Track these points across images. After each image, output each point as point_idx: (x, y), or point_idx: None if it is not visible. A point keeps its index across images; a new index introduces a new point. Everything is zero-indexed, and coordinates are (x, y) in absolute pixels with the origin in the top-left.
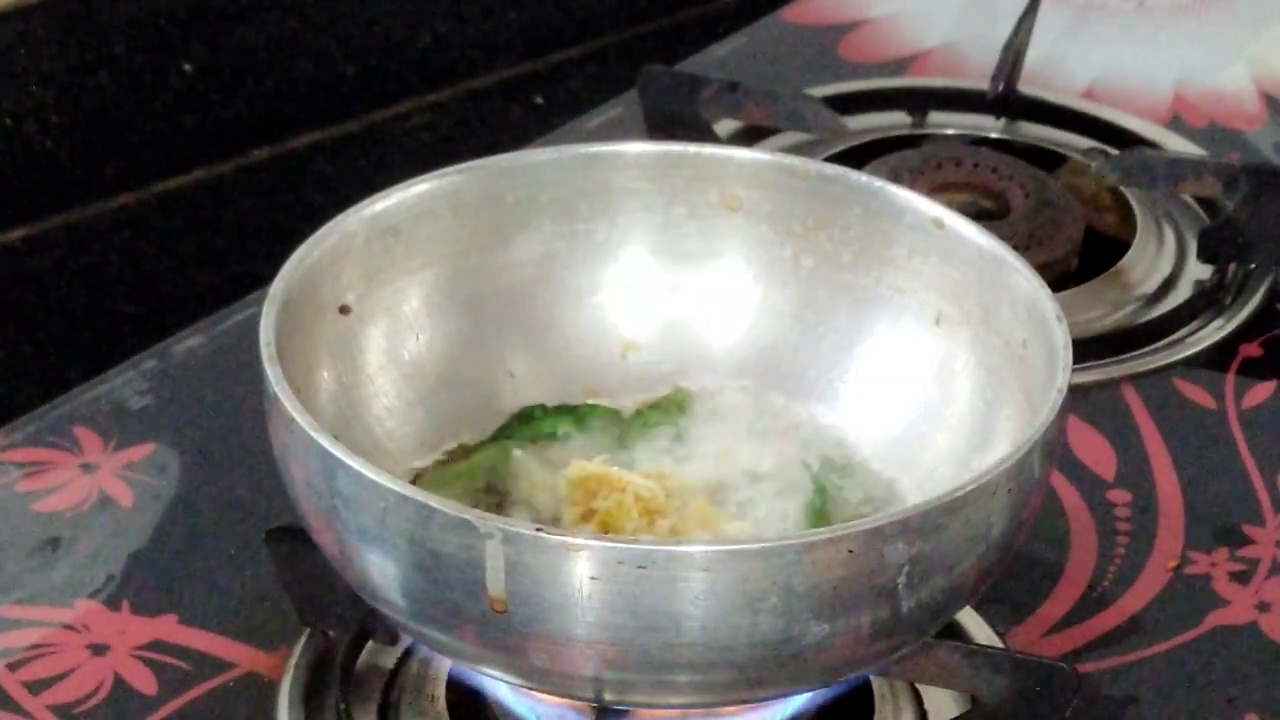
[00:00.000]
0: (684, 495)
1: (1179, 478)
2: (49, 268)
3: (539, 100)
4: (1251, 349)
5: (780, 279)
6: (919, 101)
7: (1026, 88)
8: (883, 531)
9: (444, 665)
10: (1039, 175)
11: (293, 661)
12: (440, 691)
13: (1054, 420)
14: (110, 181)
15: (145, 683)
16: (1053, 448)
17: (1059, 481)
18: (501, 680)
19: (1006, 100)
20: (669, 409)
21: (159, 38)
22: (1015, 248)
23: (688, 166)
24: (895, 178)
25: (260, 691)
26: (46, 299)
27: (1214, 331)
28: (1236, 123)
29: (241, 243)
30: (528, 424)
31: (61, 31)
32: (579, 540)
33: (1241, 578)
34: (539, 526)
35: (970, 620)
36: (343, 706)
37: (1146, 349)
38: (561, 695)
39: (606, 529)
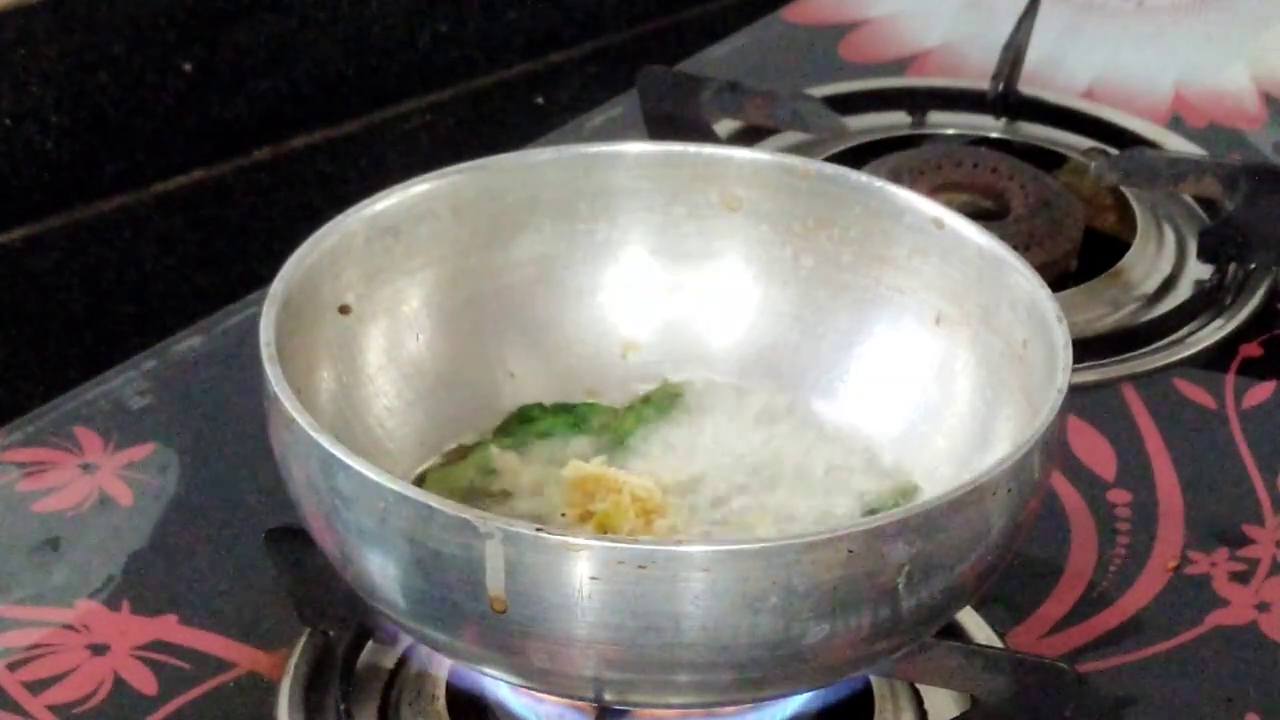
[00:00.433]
0: (680, 495)
1: (1179, 478)
2: (49, 268)
3: (539, 100)
4: (1251, 349)
5: (780, 279)
6: (919, 101)
7: (1026, 88)
8: (883, 531)
9: (444, 665)
10: (1039, 175)
11: (293, 661)
12: (440, 691)
13: (1054, 420)
14: (110, 182)
15: (145, 683)
16: (1053, 448)
17: (1059, 481)
18: (501, 680)
19: (1006, 100)
20: (667, 408)
21: (159, 38)
22: (1015, 248)
23: (688, 166)
24: (895, 178)
25: (260, 691)
26: (46, 299)
27: (1214, 331)
28: (1236, 123)
29: (241, 243)
30: (527, 423)
31: (61, 31)
32: (579, 540)
33: (1241, 578)
34: (539, 526)
35: (970, 620)
36: (343, 707)
37: (1146, 349)
38: (561, 695)
39: (604, 530)
